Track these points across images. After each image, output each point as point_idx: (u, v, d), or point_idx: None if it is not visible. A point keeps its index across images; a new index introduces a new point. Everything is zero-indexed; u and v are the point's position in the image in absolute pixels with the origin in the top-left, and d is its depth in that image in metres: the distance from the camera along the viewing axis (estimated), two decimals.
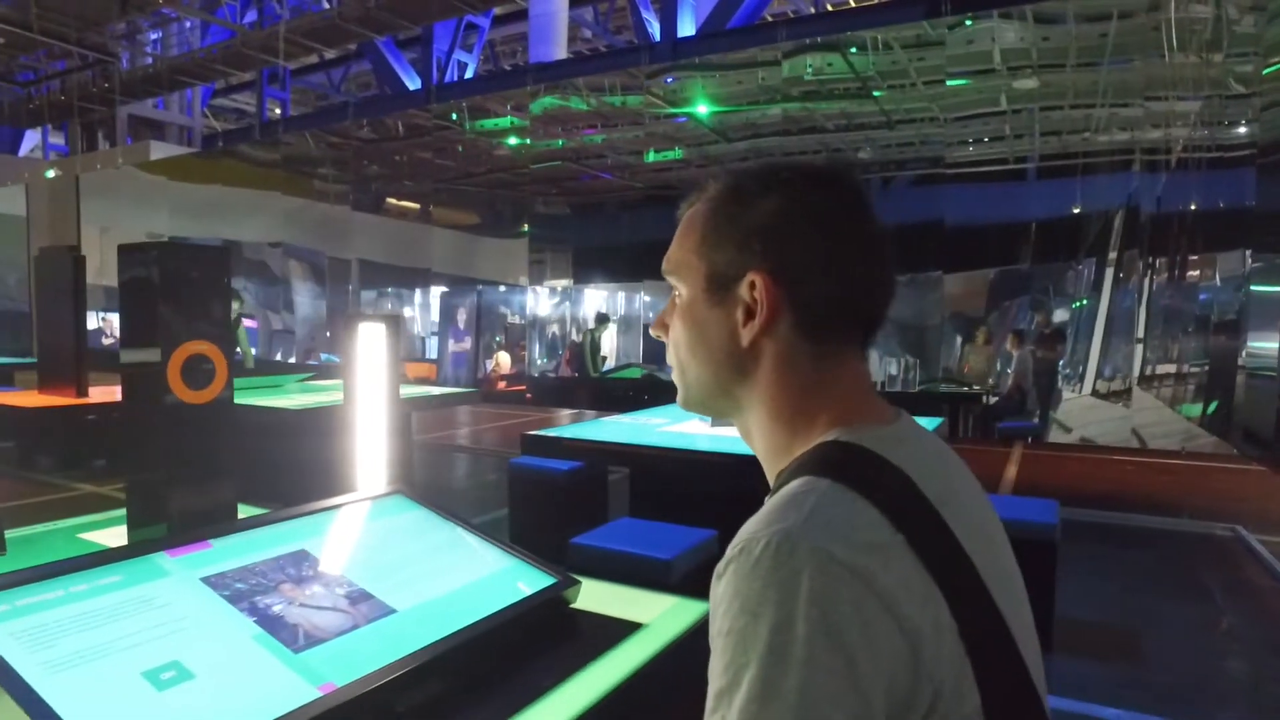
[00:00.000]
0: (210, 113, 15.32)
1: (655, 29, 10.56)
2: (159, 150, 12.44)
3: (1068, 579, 3.03)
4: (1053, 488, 5.20)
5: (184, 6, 11.48)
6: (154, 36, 13.57)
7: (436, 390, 6.03)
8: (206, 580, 1.05)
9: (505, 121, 11.94)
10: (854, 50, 8.02)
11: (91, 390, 5.33)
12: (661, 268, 0.73)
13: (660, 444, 3.34)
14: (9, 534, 1.46)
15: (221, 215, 13.11)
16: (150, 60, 12.80)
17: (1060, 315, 7.95)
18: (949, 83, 7.75)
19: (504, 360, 13.67)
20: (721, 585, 0.55)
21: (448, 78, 11.36)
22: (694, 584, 2.52)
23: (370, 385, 1.50)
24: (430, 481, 5.83)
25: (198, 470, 1.21)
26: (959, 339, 8.31)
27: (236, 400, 3.94)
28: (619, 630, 1.22)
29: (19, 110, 14.70)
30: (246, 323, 8.16)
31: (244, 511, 1.70)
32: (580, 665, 1.09)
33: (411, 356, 14.86)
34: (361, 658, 0.98)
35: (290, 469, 3.97)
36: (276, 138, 12.32)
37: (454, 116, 12.02)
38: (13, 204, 13.03)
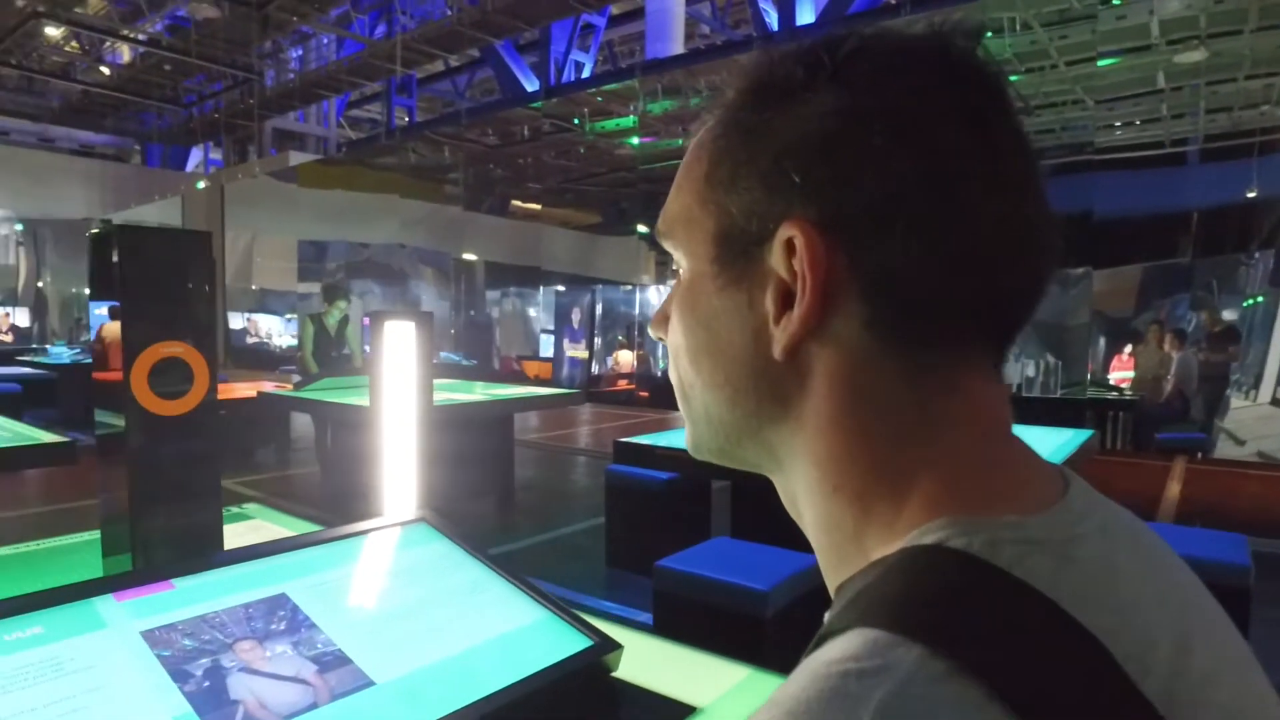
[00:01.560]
0: (345, 123, 16.07)
1: (773, 19, 10.15)
2: (295, 160, 13.12)
3: (1268, 634, 2.49)
4: (1229, 512, 4.50)
5: (319, 23, 12.03)
6: (295, 54, 14.35)
7: (540, 391, 5.91)
8: (148, 634, 0.86)
9: (626, 121, 11.86)
10: (989, 35, 7.36)
11: (224, 387, 5.54)
12: (656, 229, 0.45)
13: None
14: (12, 550, 1.35)
15: (352, 219, 13.72)
16: (291, 76, 13.52)
17: (1228, 314, 7.04)
18: (1100, 63, 6.97)
19: (625, 358, 13.60)
20: None
21: (565, 78, 11.35)
22: (789, 625, 2.21)
23: (399, 392, 1.29)
24: (529, 484, 5.72)
25: (169, 492, 1.03)
26: (1102, 339, 7.50)
27: (330, 398, 3.92)
28: (667, 713, 0.95)
29: (182, 130, 15.92)
30: (368, 322, 8.38)
31: (274, 523, 1.55)
32: None
33: (531, 355, 15.07)
34: None
35: (368, 467, 3.92)
36: (401, 144, 12.74)
37: (575, 120, 12.04)
38: (173, 215, 14.13)
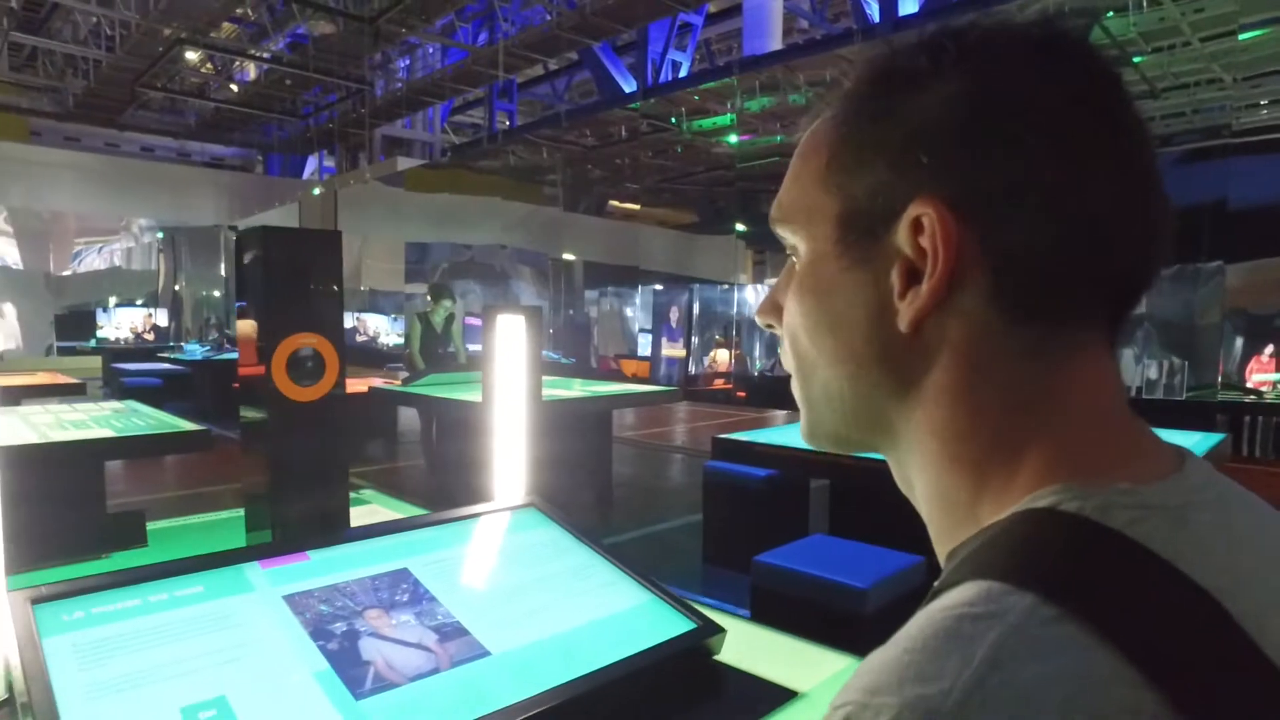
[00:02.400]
0: (449, 128, 16.65)
1: (874, 11, 9.90)
2: (403, 165, 13.69)
3: None
4: None
5: (425, 34, 12.51)
6: (403, 64, 14.96)
7: (638, 388, 5.98)
8: (290, 599, 0.94)
9: (723, 120, 11.82)
10: (1110, 15, 6.94)
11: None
12: (770, 218, 0.47)
13: (865, 454, 2.97)
14: (168, 524, 1.48)
15: (456, 221, 14.20)
16: (399, 85, 14.10)
17: None
18: (1242, 36, 6.45)
19: (722, 357, 13.58)
20: None
21: (662, 78, 11.41)
22: (893, 621, 2.17)
23: (509, 383, 1.35)
24: (626, 481, 5.79)
25: (305, 471, 1.12)
26: (1239, 340, 6.96)
27: (437, 393, 4.08)
28: (769, 697, 0.96)
29: (299, 140, 16.89)
30: (471, 320, 8.67)
31: (388, 508, 1.64)
32: None
33: (628, 354, 15.24)
34: (432, 712, 0.82)
35: (472, 461, 4.05)
36: (502, 147, 13.09)
37: (673, 120, 12.09)
38: (291, 220, 15.00)
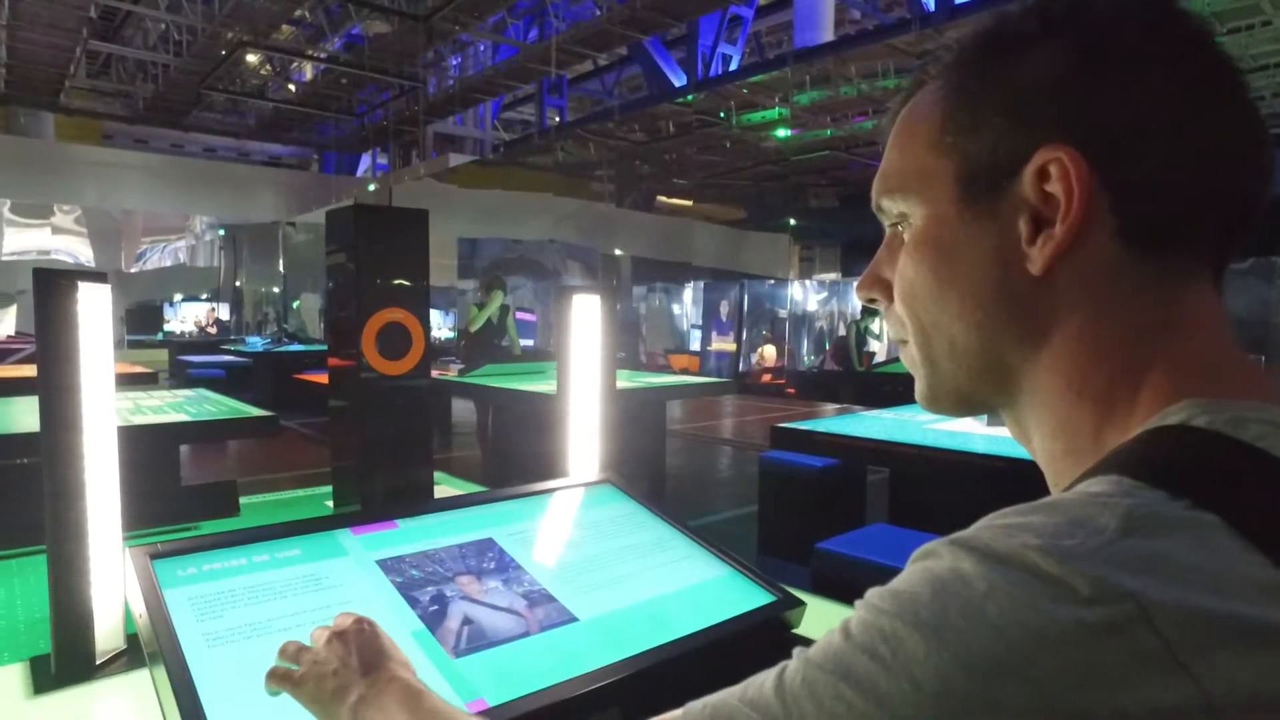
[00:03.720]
0: (500, 125, 16.82)
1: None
2: (455, 162, 13.86)
3: None
4: None
5: (477, 31, 12.65)
6: (455, 61, 15.15)
7: (692, 379, 5.98)
8: (383, 563, 0.97)
9: (773, 113, 11.72)
10: None
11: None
12: (873, 194, 0.49)
13: (926, 443, 2.93)
14: (256, 498, 1.54)
15: (507, 217, 14.35)
16: (451, 82, 14.29)
17: None
18: None
19: (769, 353, 13.52)
20: (925, 556, 0.33)
21: (712, 72, 11.36)
22: None
23: (583, 363, 1.37)
24: (680, 471, 5.80)
25: (392, 443, 1.15)
26: None
27: (495, 383, 4.15)
28: None
29: (354, 138, 17.23)
30: (522, 315, 8.77)
31: (456, 488, 1.67)
32: None
33: (677, 349, 15.24)
34: (526, 672, 0.84)
35: (528, 451, 4.09)
36: (552, 143, 13.18)
37: (722, 114, 12.03)
38: None
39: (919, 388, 0.50)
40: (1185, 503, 0.31)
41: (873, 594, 0.33)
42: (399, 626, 0.87)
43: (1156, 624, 0.27)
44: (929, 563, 0.33)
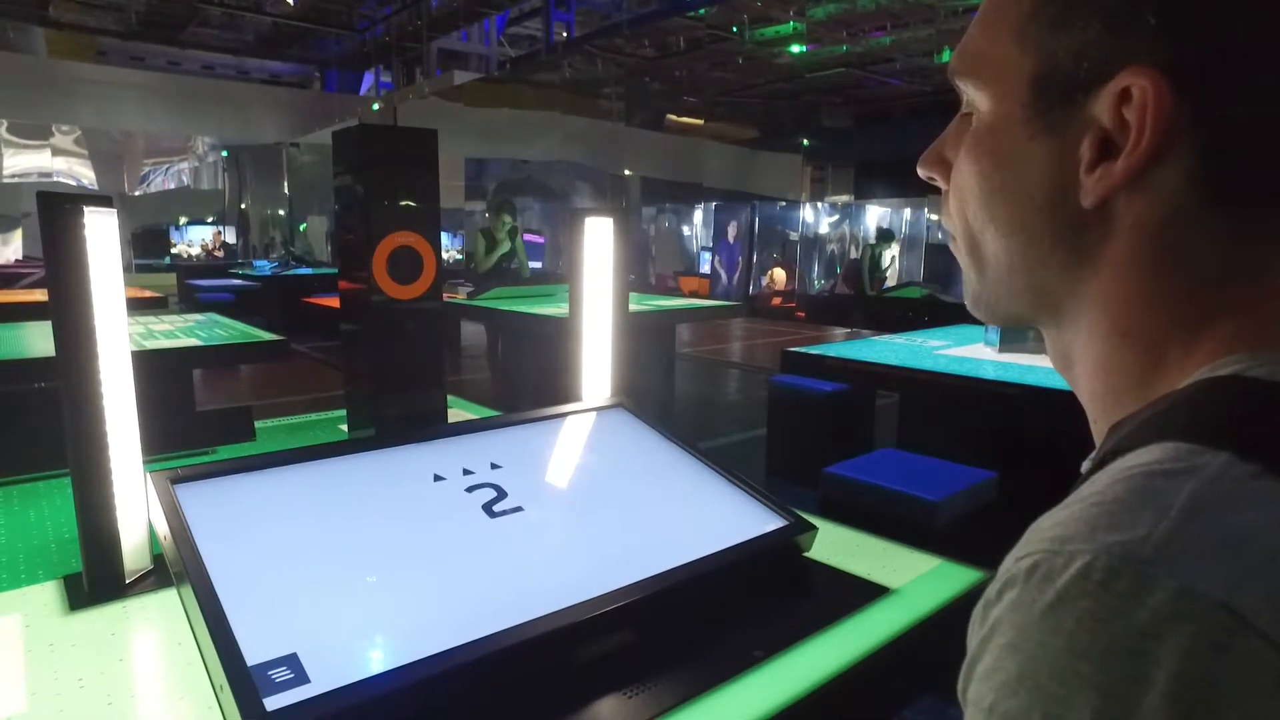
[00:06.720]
0: (505, 40, 16.32)
1: None
2: (460, 79, 13.51)
3: None
4: None
5: None
6: None
7: (701, 303, 5.96)
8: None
9: (786, 28, 11.31)
10: None
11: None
12: (949, 66, 0.45)
13: (937, 368, 2.93)
14: (271, 422, 1.55)
15: (515, 136, 14.07)
16: None
17: None
18: None
19: (779, 276, 13.41)
20: (990, 625, 0.30)
21: None
22: (963, 537, 2.17)
23: (595, 288, 1.36)
24: (690, 394, 5.84)
25: (405, 368, 1.15)
26: None
27: (505, 307, 4.14)
28: (861, 593, 0.98)
29: (356, 55, 16.77)
30: (531, 237, 8.68)
31: (470, 412, 1.69)
32: (806, 634, 0.88)
33: (687, 271, 15.14)
34: (538, 594, 0.85)
35: (538, 374, 4.11)
36: (560, 59, 12.81)
37: (734, 29, 11.61)
38: None
39: (965, 290, 0.48)
40: (1255, 469, 0.29)
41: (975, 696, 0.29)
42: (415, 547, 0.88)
43: (1246, 616, 0.25)
44: (998, 639, 0.29)
